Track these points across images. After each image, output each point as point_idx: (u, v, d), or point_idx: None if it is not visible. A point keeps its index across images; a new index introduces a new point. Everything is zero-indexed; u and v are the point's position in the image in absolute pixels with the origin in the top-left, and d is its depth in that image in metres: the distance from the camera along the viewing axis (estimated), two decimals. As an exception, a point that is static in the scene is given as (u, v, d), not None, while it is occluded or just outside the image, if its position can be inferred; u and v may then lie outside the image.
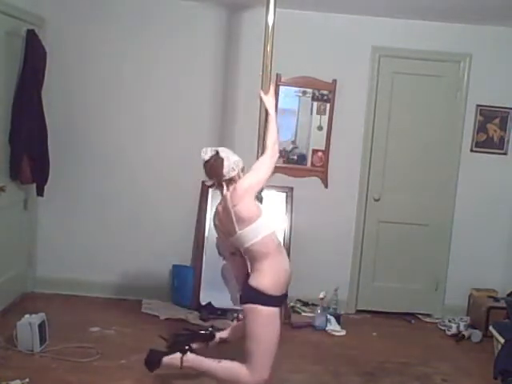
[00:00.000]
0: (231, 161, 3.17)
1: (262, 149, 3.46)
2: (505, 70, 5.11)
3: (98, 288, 5.07)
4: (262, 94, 3.41)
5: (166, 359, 3.45)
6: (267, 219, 3.12)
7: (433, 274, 5.30)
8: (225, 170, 3.15)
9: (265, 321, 3.05)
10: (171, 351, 3.48)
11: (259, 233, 3.06)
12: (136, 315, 4.77)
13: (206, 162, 3.22)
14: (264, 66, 3.43)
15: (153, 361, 3.48)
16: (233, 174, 3.16)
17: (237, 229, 3.07)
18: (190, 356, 3.38)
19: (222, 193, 3.20)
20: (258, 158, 3.41)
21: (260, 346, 3.06)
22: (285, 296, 3.22)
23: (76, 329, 4.31)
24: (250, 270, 3.13)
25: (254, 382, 3.09)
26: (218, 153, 3.20)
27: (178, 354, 3.40)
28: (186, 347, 3.46)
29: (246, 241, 3.08)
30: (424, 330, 5.08)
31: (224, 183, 3.17)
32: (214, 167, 3.18)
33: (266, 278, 3.06)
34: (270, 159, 3.19)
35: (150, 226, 5.11)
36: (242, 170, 3.22)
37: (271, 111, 3.35)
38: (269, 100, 3.39)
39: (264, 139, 3.30)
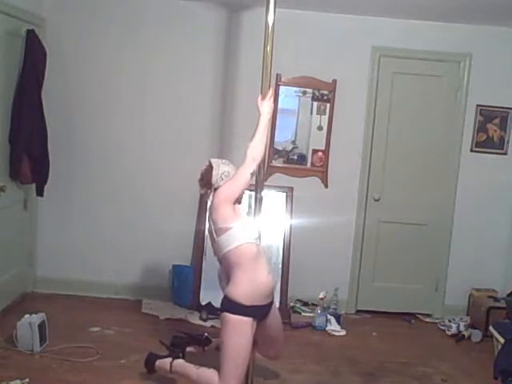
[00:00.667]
0: (220, 171, 3.26)
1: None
2: (505, 69, 5.11)
3: (98, 288, 5.07)
4: (259, 100, 3.33)
5: (158, 362, 3.55)
6: (244, 229, 3.15)
7: (433, 274, 5.30)
8: (213, 179, 3.25)
9: (233, 330, 3.06)
10: (167, 355, 3.53)
11: (233, 242, 3.12)
12: (136, 315, 4.77)
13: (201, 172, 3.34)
14: (264, 66, 3.42)
15: (150, 363, 3.58)
16: (221, 183, 3.23)
17: (215, 236, 3.18)
18: (179, 361, 3.42)
19: (207, 197, 3.31)
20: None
21: (227, 354, 3.07)
22: (265, 307, 3.20)
23: (76, 329, 4.31)
24: (223, 275, 3.23)
25: None
26: (210, 162, 3.30)
27: (169, 359, 3.44)
28: (179, 352, 3.49)
29: (221, 249, 3.16)
30: (424, 330, 5.08)
31: (210, 191, 3.27)
32: (203, 175, 3.31)
33: (239, 288, 3.09)
34: (249, 172, 3.20)
35: (150, 226, 5.10)
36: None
37: (262, 118, 3.27)
38: (264, 105, 3.30)
39: (250, 145, 3.25)
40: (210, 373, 3.19)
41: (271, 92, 3.37)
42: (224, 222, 3.13)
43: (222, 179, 3.24)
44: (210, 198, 3.29)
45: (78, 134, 5.02)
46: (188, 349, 3.79)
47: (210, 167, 3.28)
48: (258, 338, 3.30)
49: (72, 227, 5.11)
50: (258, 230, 3.30)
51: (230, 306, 3.07)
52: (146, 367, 3.62)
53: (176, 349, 3.65)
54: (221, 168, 3.27)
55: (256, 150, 3.22)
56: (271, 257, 4.95)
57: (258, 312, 3.13)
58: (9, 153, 4.43)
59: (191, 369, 3.33)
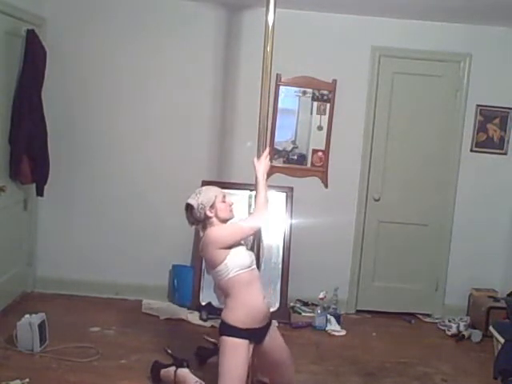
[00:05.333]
0: (198, 205, 3.20)
1: (262, 149, 3.46)
2: (505, 69, 5.11)
3: (98, 288, 5.07)
4: (255, 159, 3.36)
5: (163, 372, 3.59)
6: (234, 261, 3.16)
7: (433, 274, 5.30)
8: (196, 216, 3.22)
9: (230, 351, 3.09)
10: (171, 364, 3.54)
11: (224, 275, 3.15)
12: (136, 315, 4.77)
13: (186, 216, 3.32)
14: (264, 66, 3.42)
15: (155, 372, 3.63)
16: (202, 214, 3.20)
17: (208, 268, 3.25)
18: (184, 371, 3.42)
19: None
20: (258, 158, 3.38)
21: (224, 373, 3.08)
22: (261, 329, 3.21)
23: (76, 329, 4.32)
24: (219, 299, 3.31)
25: None
26: (188, 204, 3.24)
27: (173, 368, 3.43)
28: (183, 361, 3.47)
29: (214, 279, 3.24)
30: (424, 330, 5.08)
31: (201, 226, 3.26)
32: (188, 218, 3.28)
33: (233, 313, 3.14)
34: (247, 233, 3.24)
35: (150, 226, 5.11)
36: (212, 205, 3.21)
37: (260, 180, 3.29)
38: (260, 165, 3.33)
39: (256, 203, 3.29)
40: None
41: (267, 151, 3.40)
42: (213, 261, 3.17)
43: (202, 210, 3.20)
44: (201, 233, 3.29)
45: (78, 133, 5.02)
46: (210, 359, 3.82)
47: (191, 208, 3.23)
48: (264, 365, 3.34)
49: (72, 227, 5.11)
50: (251, 255, 3.32)
51: (226, 329, 3.14)
52: (151, 376, 3.66)
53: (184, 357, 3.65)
54: (199, 200, 3.22)
55: (264, 208, 3.26)
56: (271, 257, 4.96)
57: (254, 334, 3.17)
58: (9, 153, 4.44)
59: (190, 382, 3.38)
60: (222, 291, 3.22)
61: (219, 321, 3.19)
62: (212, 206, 3.22)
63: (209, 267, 3.24)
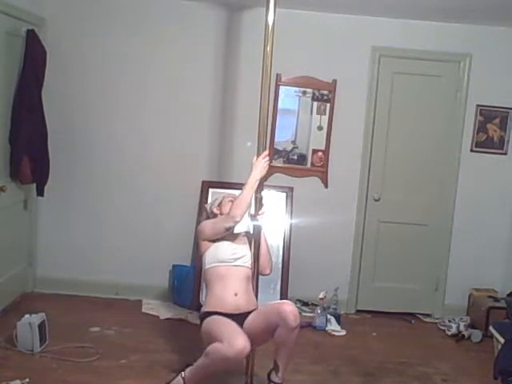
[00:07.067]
0: (208, 204, 3.79)
1: (262, 148, 3.47)
2: (505, 70, 5.11)
3: (98, 288, 5.07)
4: (254, 158, 3.46)
5: None
6: (214, 254, 3.44)
7: (433, 274, 5.30)
8: (207, 215, 3.72)
9: (207, 324, 3.32)
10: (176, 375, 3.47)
11: (205, 264, 3.49)
12: (136, 315, 4.77)
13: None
14: (264, 66, 3.42)
15: None
16: (210, 214, 3.67)
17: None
18: (186, 370, 3.35)
19: None
20: (257, 158, 3.45)
21: (213, 332, 3.23)
22: (232, 316, 3.30)
23: (76, 329, 4.31)
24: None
25: (233, 351, 3.04)
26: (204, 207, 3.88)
27: (179, 375, 3.37)
28: (186, 365, 3.44)
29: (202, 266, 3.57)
30: (424, 329, 5.08)
31: None
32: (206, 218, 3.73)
33: (207, 301, 3.44)
34: (223, 225, 3.43)
35: (150, 226, 5.11)
36: (219, 204, 3.63)
37: (252, 177, 3.40)
38: (258, 165, 3.42)
39: (236, 201, 3.43)
40: (213, 346, 3.14)
41: (266, 152, 3.46)
42: (198, 251, 3.61)
43: (209, 210, 3.70)
44: None
45: (77, 133, 5.02)
46: None
47: (205, 210, 3.77)
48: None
49: (72, 227, 5.11)
50: (241, 252, 3.48)
51: (203, 315, 3.41)
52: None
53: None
54: (210, 203, 3.81)
55: (237, 208, 3.37)
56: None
57: (227, 317, 3.31)
58: (9, 153, 4.43)
59: (199, 361, 3.26)
60: (205, 281, 3.54)
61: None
62: (219, 205, 3.59)
63: (198, 254, 3.66)
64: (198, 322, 4.61)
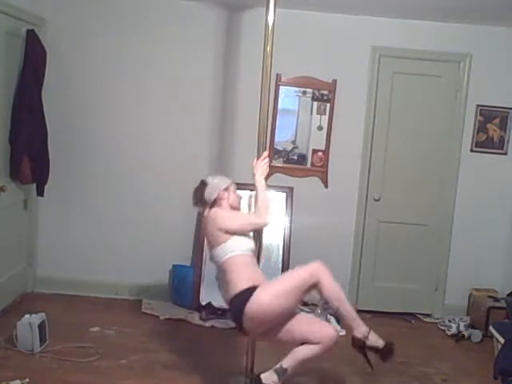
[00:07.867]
0: (213, 183, 3.46)
1: (262, 149, 3.47)
2: (505, 70, 5.11)
3: (97, 288, 5.07)
4: (254, 160, 3.46)
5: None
6: (236, 242, 3.31)
7: (433, 274, 5.30)
8: (206, 194, 3.45)
9: (270, 301, 3.14)
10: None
11: (227, 253, 3.29)
12: (136, 315, 4.77)
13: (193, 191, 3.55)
14: (264, 66, 3.42)
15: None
16: (214, 194, 3.43)
17: (211, 247, 3.40)
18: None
19: (202, 213, 3.49)
20: (257, 158, 3.46)
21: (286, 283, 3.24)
22: None
23: (76, 329, 4.31)
24: (222, 284, 3.37)
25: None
26: (203, 181, 3.51)
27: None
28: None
29: (217, 258, 3.35)
30: (424, 329, 5.08)
31: (207, 207, 3.46)
32: (197, 193, 3.50)
33: (239, 284, 3.21)
34: (251, 227, 3.42)
35: (150, 226, 5.11)
36: (227, 188, 3.46)
37: (258, 184, 3.40)
38: (258, 167, 3.43)
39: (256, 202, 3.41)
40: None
41: (266, 153, 3.48)
42: (215, 240, 3.35)
43: (213, 192, 3.44)
44: (205, 211, 3.46)
45: (77, 133, 5.02)
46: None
47: (204, 185, 3.47)
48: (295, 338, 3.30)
49: (72, 227, 5.11)
50: (252, 243, 3.45)
51: (243, 298, 3.15)
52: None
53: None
54: (211, 182, 3.47)
55: (265, 213, 3.37)
56: (271, 256, 4.96)
57: None
58: (9, 153, 4.44)
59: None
60: (225, 271, 3.28)
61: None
62: (226, 189, 3.45)
63: (210, 246, 3.41)
64: (197, 321, 4.70)
